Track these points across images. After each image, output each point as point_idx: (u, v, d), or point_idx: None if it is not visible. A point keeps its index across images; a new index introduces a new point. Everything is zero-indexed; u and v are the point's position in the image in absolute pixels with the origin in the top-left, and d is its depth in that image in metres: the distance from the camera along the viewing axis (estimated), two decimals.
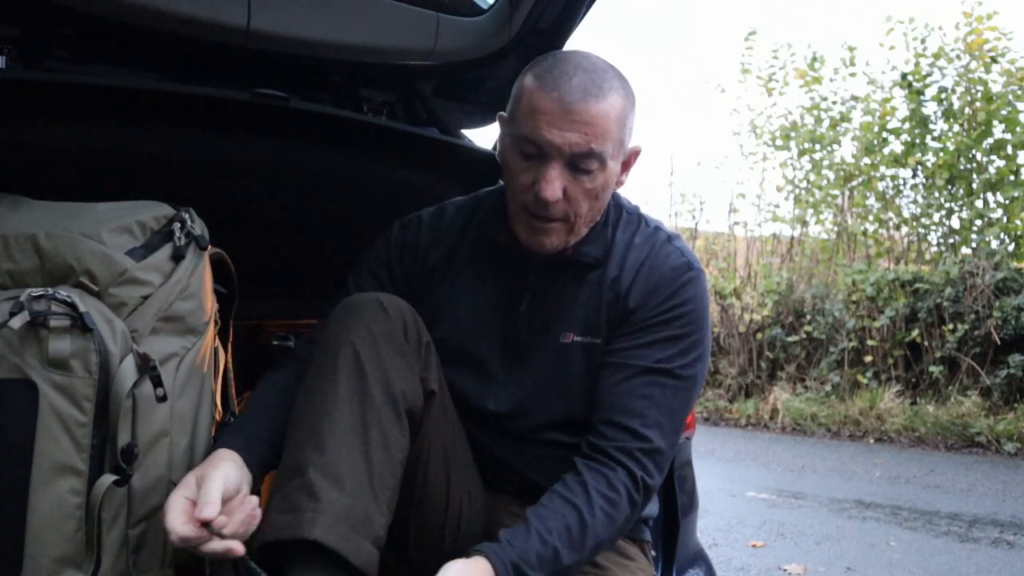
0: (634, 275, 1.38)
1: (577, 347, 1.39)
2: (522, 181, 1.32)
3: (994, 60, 7.78)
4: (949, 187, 7.99)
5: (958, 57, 7.96)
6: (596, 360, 1.38)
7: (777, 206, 9.47)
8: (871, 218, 8.65)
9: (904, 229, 8.46)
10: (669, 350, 1.35)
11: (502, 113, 1.41)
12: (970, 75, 7.84)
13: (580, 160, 1.29)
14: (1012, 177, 7.59)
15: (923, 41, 8.20)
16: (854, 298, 7.64)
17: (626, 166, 1.40)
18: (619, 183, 1.40)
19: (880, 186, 8.60)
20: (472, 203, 1.52)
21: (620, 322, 1.38)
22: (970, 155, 7.84)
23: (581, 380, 1.38)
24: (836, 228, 8.88)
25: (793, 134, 9.19)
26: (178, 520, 1.13)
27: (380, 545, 1.21)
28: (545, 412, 1.40)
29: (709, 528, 3.93)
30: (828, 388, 7.46)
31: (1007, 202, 7.61)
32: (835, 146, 9.02)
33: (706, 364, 1.41)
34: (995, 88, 7.71)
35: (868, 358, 7.38)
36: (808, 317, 7.99)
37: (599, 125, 1.28)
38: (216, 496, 1.14)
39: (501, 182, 1.48)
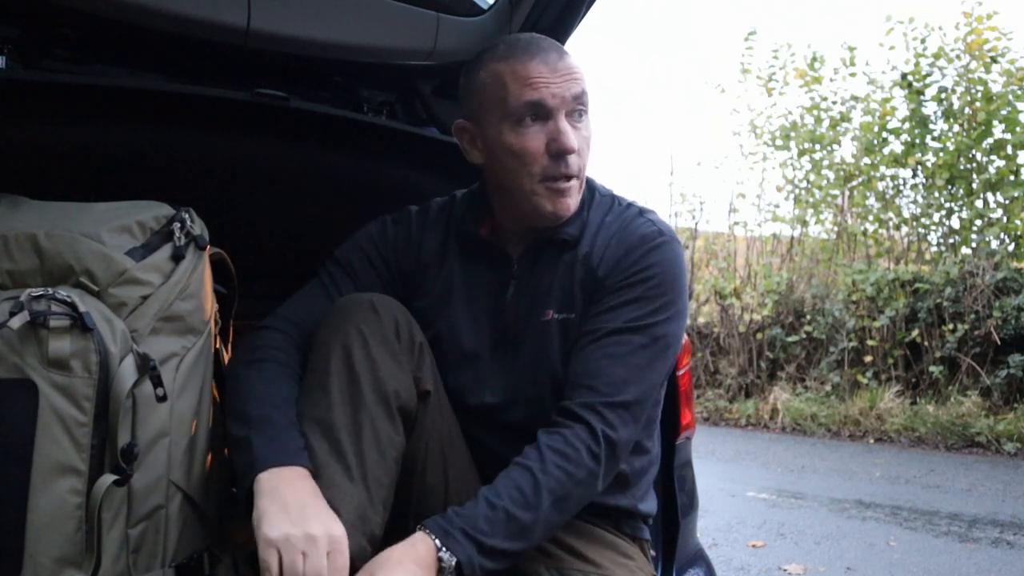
0: (605, 248, 1.40)
1: (555, 324, 1.40)
2: (534, 147, 1.35)
3: (994, 60, 7.79)
4: (949, 187, 7.99)
5: (958, 57, 7.96)
6: (572, 336, 1.39)
7: (777, 206, 9.49)
8: (871, 218, 8.66)
9: (904, 229, 8.46)
10: (636, 311, 1.35)
11: (462, 122, 1.44)
12: (970, 75, 7.84)
13: (578, 104, 1.37)
14: (1012, 177, 7.60)
15: (923, 41, 8.20)
16: (854, 298, 7.64)
17: None
18: None
19: (880, 186, 8.60)
20: (450, 201, 1.54)
21: (592, 293, 1.39)
22: (970, 155, 7.84)
23: (562, 357, 1.39)
24: (836, 228, 8.88)
25: (793, 134, 9.20)
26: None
27: (376, 543, 1.22)
28: (535, 397, 1.40)
29: (709, 528, 3.93)
30: (828, 388, 7.46)
31: (1007, 202, 7.61)
32: (835, 146, 9.02)
33: (681, 327, 1.40)
34: (995, 88, 7.71)
35: (868, 358, 7.38)
36: (808, 317, 7.99)
37: (579, 72, 1.39)
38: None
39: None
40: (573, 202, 1.39)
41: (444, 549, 1.17)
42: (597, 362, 1.33)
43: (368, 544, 1.20)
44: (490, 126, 1.39)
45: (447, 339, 1.43)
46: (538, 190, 1.37)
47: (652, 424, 1.50)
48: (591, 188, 1.48)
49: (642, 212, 1.45)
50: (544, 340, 1.40)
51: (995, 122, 7.65)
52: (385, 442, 1.26)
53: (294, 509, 1.15)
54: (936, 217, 8.24)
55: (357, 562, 1.17)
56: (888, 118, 8.47)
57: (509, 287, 1.44)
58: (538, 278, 1.43)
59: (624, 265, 1.38)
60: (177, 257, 1.26)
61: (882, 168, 8.52)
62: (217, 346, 1.38)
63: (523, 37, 1.41)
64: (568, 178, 1.36)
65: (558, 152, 1.34)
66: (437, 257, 1.48)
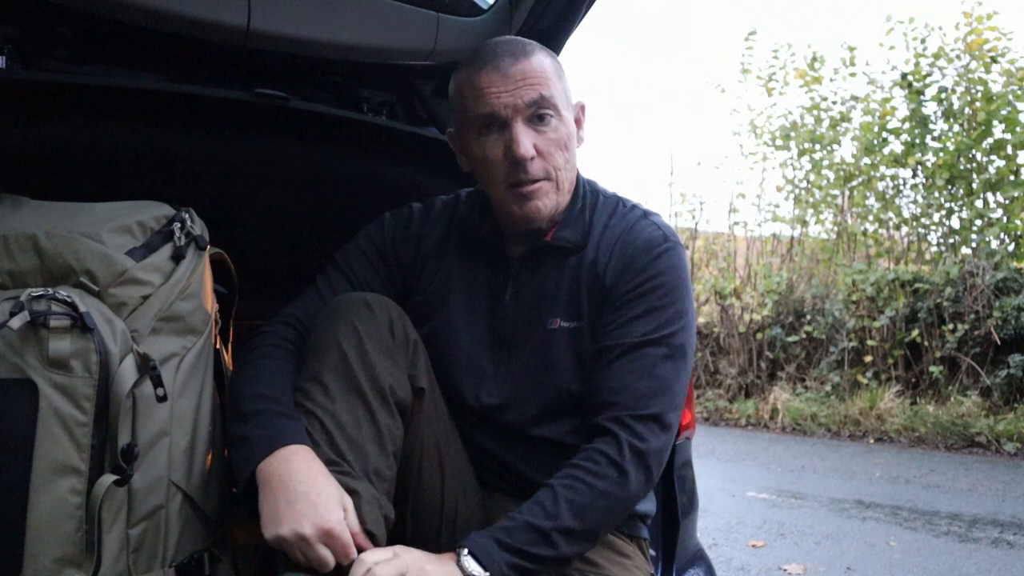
0: (610, 254, 1.41)
1: (563, 332, 1.40)
2: (494, 157, 1.37)
3: (994, 60, 7.79)
4: (949, 187, 7.99)
5: (958, 57, 7.96)
6: (582, 345, 1.39)
7: (777, 206, 9.50)
8: (871, 218, 8.66)
9: (904, 229, 8.47)
10: (652, 323, 1.36)
11: (451, 130, 1.48)
12: (970, 75, 7.84)
13: (538, 109, 1.36)
14: (1012, 177, 7.60)
15: (923, 41, 8.20)
16: (854, 298, 7.64)
17: (579, 123, 1.46)
18: (580, 140, 1.46)
19: (880, 186, 8.60)
20: (455, 200, 1.56)
21: (601, 302, 1.39)
22: (970, 155, 7.84)
23: (568, 365, 1.39)
24: (836, 228, 8.88)
25: (793, 134, 9.20)
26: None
27: (391, 525, 1.25)
28: (535, 402, 1.40)
29: (709, 528, 3.93)
30: (828, 388, 7.46)
31: (1007, 202, 7.61)
32: (835, 146, 9.03)
33: (693, 334, 1.41)
34: (995, 88, 7.71)
35: (868, 358, 7.38)
36: (808, 317, 7.99)
37: (539, 75, 1.37)
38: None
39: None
40: (544, 203, 1.38)
41: (464, 549, 1.20)
42: (622, 378, 1.33)
43: (384, 523, 1.23)
44: (463, 135, 1.43)
45: (443, 335, 1.44)
46: (506, 196, 1.39)
47: None
48: (595, 191, 1.48)
49: (646, 215, 1.45)
50: (550, 348, 1.40)
51: (995, 122, 7.65)
52: (385, 436, 1.27)
53: (284, 506, 1.17)
54: (936, 217, 8.25)
55: (377, 536, 1.21)
56: (888, 118, 8.48)
57: (507, 288, 1.44)
58: (540, 283, 1.43)
59: (631, 273, 1.38)
60: (177, 257, 1.26)
61: (882, 168, 8.52)
62: (217, 346, 1.38)
63: (485, 44, 1.42)
64: (533, 181, 1.37)
65: (513, 160, 1.35)
66: (436, 253, 1.49)
